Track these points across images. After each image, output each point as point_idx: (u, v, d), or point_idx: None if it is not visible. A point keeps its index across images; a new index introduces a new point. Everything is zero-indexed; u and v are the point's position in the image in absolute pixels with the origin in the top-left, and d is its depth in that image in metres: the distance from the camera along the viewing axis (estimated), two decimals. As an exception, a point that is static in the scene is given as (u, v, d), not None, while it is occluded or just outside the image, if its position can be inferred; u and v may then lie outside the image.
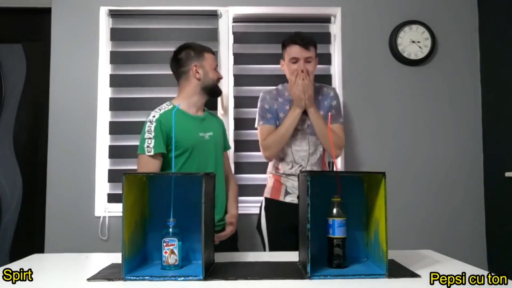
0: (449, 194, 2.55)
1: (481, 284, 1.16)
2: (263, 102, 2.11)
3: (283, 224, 2.01)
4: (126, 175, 1.19)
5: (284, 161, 2.09)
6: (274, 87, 2.19)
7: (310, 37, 2.05)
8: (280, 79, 2.43)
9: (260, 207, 2.16)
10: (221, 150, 2.01)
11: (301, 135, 2.07)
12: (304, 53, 1.99)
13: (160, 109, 1.87)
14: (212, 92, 1.99)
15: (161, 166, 1.82)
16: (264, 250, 2.10)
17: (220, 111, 2.54)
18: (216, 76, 1.98)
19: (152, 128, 1.78)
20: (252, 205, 2.50)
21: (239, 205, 2.53)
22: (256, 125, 2.14)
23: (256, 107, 2.30)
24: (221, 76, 2.02)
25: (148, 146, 1.77)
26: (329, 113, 1.96)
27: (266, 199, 2.14)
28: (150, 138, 1.77)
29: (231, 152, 2.53)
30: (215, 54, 2.05)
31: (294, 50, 2.00)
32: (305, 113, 2.04)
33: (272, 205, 2.10)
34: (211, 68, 1.95)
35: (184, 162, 1.85)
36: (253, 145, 2.53)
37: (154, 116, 1.82)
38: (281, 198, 2.07)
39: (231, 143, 2.54)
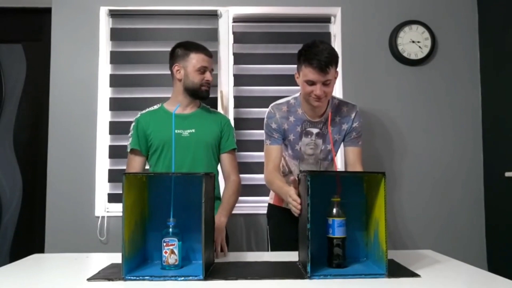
0: (449, 194, 2.55)
1: (481, 284, 1.16)
2: (270, 120, 1.86)
3: (285, 230, 1.95)
4: (126, 175, 1.19)
5: (291, 173, 1.99)
6: (284, 100, 1.90)
7: (330, 55, 1.68)
8: (280, 79, 2.44)
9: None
10: (206, 148, 1.89)
11: (314, 160, 1.93)
12: (321, 77, 1.67)
13: (146, 110, 1.99)
14: (193, 94, 1.90)
15: (143, 162, 1.94)
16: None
17: (220, 111, 2.54)
18: (198, 79, 1.86)
19: (132, 127, 1.94)
20: (252, 205, 2.51)
21: (239, 205, 2.53)
22: (264, 143, 1.92)
23: (256, 107, 2.31)
24: (207, 78, 1.88)
25: (128, 144, 1.93)
26: (329, 112, 1.81)
27: (269, 205, 2.13)
28: (130, 137, 1.94)
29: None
30: (209, 55, 1.92)
31: (311, 73, 1.68)
32: (319, 136, 1.87)
33: (274, 212, 2.08)
34: (194, 70, 1.86)
35: (157, 159, 1.90)
36: (253, 145, 2.53)
37: (136, 117, 1.96)
38: (284, 205, 2.00)
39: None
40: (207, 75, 1.89)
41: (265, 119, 1.90)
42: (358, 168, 1.87)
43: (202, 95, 1.91)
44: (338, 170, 2.12)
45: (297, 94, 1.89)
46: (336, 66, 1.73)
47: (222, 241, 1.62)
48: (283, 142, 1.90)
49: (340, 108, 1.88)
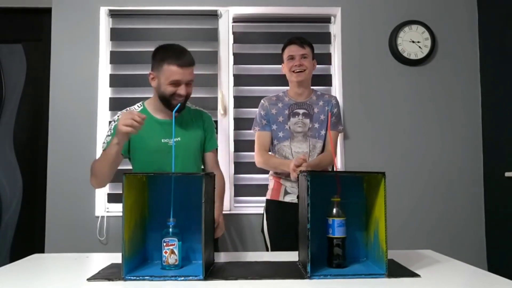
0: (449, 194, 2.55)
1: (481, 284, 1.16)
2: (260, 109, 2.20)
3: (283, 223, 2.04)
4: (126, 175, 1.19)
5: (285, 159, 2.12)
6: (275, 93, 2.25)
7: (306, 38, 2.18)
8: (280, 79, 2.45)
9: (263, 210, 2.19)
10: (193, 154, 1.85)
11: (302, 137, 2.12)
12: (299, 50, 2.10)
13: (127, 109, 1.84)
14: (167, 106, 1.75)
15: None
16: (267, 251, 2.11)
17: (220, 111, 2.54)
18: (169, 92, 1.70)
19: (112, 127, 1.77)
20: (252, 205, 2.51)
21: (239, 205, 2.55)
22: (252, 129, 2.22)
23: (256, 107, 2.33)
24: (179, 92, 1.70)
25: (104, 143, 1.78)
26: (329, 112, 2.11)
27: (267, 200, 2.18)
28: (108, 136, 1.77)
29: (231, 152, 2.54)
30: (185, 65, 1.70)
31: (291, 49, 2.13)
32: (307, 116, 2.13)
33: (272, 206, 2.13)
34: (167, 82, 1.70)
35: (143, 167, 1.79)
36: (253, 145, 2.53)
37: (118, 115, 1.80)
38: (281, 198, 2.10)
39: (231, 143, 2.55)
40: (180, 89, 1.70)
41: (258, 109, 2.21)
42: (329, 146, 2.15)
43: (173, 108, 1.63)
44: (337, 170, 2.16)
45: (286, 89, 2.23)
46: (312, 51, 2.15)
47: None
48: (272, 132, 2.15)
49: (322, 95, 2.23)
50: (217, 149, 2.00)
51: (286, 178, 2.10)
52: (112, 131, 1.76)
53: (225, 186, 1.99)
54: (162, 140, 1.77)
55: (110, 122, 1.82)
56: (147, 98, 2.56)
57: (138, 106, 1.86)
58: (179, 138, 1.79)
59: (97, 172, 1.72)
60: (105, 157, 1.68)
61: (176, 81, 1.69)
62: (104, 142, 1.79)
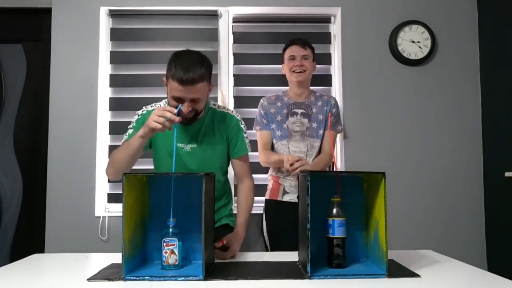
0: (449, 194, 2.55)
1: (481, 284, 1.16)
2: (259, 108, 2.24)
3: (282, 223, 2.04)
4: (126, 175, 1.19)
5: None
6: (274, 93, 2.28)
7: (308, 40, 2.21)
8: (280, 79, 2.45)
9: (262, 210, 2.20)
10: (211, 161, 1.75)
11: (300, 136, 2.13)
12: (301, 51, 2.14)
13: (152, 105, 1.78)
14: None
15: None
16: (267, 251, 2.11)
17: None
18: (173, 105, 1.58)
19: (135, 120, 1.74)
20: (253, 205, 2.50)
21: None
22: (253, 129, 2.24)
23: (256, 107, 2.34)
24: (183, 109, 1.56)
25: (125, 134, 1.72)
26: (329, 113, 2.14)
27: (266, 200, 2.18)
28: (130, 128, 1.73)
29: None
30: (187, 82, 1.52)
31: (292, 49, 2.16)
32: (305, 116, 2.14)
33: (271, 206, 2.14)
34: (170, 95, 1.59)
35: (158, 167, 1.78)
36: (252, 145, 2.52)
37: (142, 110, 1.77)
38: (279, 198, 2.11)
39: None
40: (183, 107, 1.56)
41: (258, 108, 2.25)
42: (326, 147, 2.16)
43: (180, 121, 1.57)
44: (337, 170, 2.17)
45: (286, 89, 2.26)
46: (313, 52, 2.19)
47: (232, 244, 1.54)
48: (271, 131, 2.18)
49: (321, 95, 2.25)
50: (246, 154, 1.82)
51: (285, 178, 2.11)
52: (134, 124, 1.72)
53: (253, 195, 1.79)
54: (178, 145, 1.70)
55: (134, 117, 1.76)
56: (146, 98, 2.55)
57: (164, 103, 1.78)
58: (194, 145, 1.72)
59: (116, 162, 1.64)
60: (127, 148, 1.60)
61: (177, 98, 1.56)
62: (125, 135, 1.72)
